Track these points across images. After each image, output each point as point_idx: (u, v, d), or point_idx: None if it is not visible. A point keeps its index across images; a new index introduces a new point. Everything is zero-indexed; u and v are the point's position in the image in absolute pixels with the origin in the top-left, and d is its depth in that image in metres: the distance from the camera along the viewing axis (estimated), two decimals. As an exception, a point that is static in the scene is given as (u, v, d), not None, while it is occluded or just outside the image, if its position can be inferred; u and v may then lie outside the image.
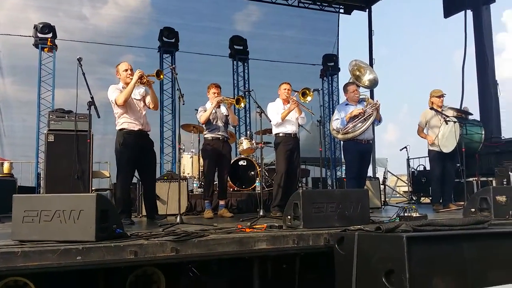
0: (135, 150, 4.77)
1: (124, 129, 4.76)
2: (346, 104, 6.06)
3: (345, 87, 6.16)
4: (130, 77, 4.72)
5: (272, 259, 3.59)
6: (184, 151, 7.27)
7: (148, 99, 4.92)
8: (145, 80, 4.70)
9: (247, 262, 3.47)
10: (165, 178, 6.27)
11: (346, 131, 5.85)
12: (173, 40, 10.68)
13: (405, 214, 4.13)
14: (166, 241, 3.03)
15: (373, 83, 6.35)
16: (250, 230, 3.52)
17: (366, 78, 6.25)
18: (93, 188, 6.27)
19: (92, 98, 4.34)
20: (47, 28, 9.06)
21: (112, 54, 10.99)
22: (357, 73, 6.22)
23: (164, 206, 5.62)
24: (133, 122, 4.77)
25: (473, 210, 4.43)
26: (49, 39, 9.00)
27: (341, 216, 3.73)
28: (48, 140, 6.07)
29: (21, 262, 2.64)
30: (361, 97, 6.06)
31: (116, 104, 4.66)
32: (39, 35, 9.09)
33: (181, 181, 6.00)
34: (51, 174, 6.03)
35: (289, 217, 3.77)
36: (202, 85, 9.33)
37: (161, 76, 4.85)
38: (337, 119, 5.93)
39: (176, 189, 5.54)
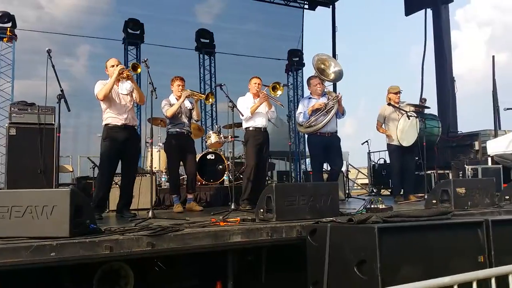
0: (119, 144, 4.77)
1: (108, 124, 4.79)
2: (310, 98, 6.17)
3: (308, 80, 6.27)
4: None
5: (242, 251, 3.64)
6: (150, 145, 7.18)
7: (134, 94, 4.93)
8: (125, 75, 4.70)
9: (216, 255, 3.51)
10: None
11: (308, 124, 5.97)
12: (138, 32, 10.52)
13: (372, 206, 4.30)
14: (142, 236, 3.03)
15: (338, 75, 6.32)
16: (224, 223, 3.56)
17: (331, 70, 6.24)
18: (56, 183, 6.12)
19: (62, 91, 4.24)
20: (6, 17, 8.70)
21: (69, 45, 10.72)
22: (322, 66, 6.21)
23: (132, 201, 5.55)
24: (116, 117, 4.78)
25: (434, 201, 4.64)
26: (8, 28, 8.64)
27: (312, 209, 3.83)
28: (10, 133, 5.84)
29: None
30: (324, 90, 6.14)
31: (97, 98, 4.69)
32: (-2, 24, 8.74)
33: (149, 175, 5.97)
34: (12, 168, 5.81)
35: (261, 210, 3.84)
36: (168, 78, 9.24)
37: (138, 70, 4.83)
38: (300, 112, 6.07)
39: (144, 184, 5.49)
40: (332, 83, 6.22)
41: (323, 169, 6.74)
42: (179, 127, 5.69)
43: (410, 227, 2.97)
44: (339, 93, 6.00)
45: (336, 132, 6.13)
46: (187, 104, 5.84)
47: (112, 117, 4.80)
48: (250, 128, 5.78)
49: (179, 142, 5.67)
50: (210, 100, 5.74)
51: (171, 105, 5.63)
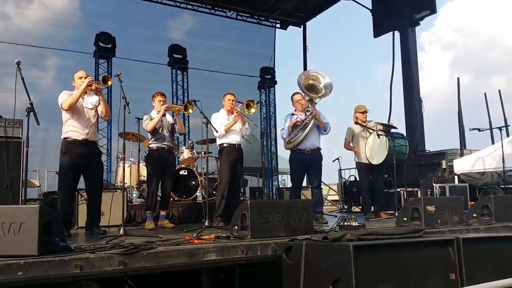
0: (79, 160, 4.62)
1: (68, 138, 4.63)
2: (292, 114, 6.18)
3: (291, 97, 6.25)
4: None
5: (215, 270, 3.58)
6: (121, 160, 7.07)
7: (100, 108, 4.80)
8: (94, 87, 4.60)
9: (189, 274, 3.44)
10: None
11: (288, 140, 6.00)
12: (109, 46, 10.40)
13: (345, 223, 4.33)
14: (113, 254, 2.93)
15: (330, 88, 6.04)
16: (199, 241, 3.50)
17: (322, 84, 6.02)
18: (21, 198, 5.91)
19: (31, 103, 4.12)
20: (-28, 26, 8.45)
21: (38, 57, 10.49)
22: (311, 82, 6.04)
23: (102, 218, 5.41)
24: (77, 130, 4.63)
25: (405, 219, 4.73)
26: (-27, 38, 8.38)
27: (287, 226, 3.83)
28: (-26, 146, 5.62)
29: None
30: (308, 106, 6.05)
31: (62, 108, 4.55)
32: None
33: (120, 191, 5.85)
34: (-25, 183, 5.58)
35: (236, 227, 3.80)
36: (140, 92, 9.20)
37: (109, 83, 4.75)
38: (282, 129, 6.11)
39: (115, 200, 5.38)
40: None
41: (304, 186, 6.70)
42: (159, 142, 5.65)
43: (384, 245, 2.99)
44: (313, 110, 5.95)
45: (317, 148, 6.03)
46: (169, 118, 5.82)
47: (72, 131, 4.64)
48: (224, 145, 5.77)
49: (159, 157, 5.62)
50: (190, 110, 5.71)
51: (152, 120, 5.58)
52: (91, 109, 4.80)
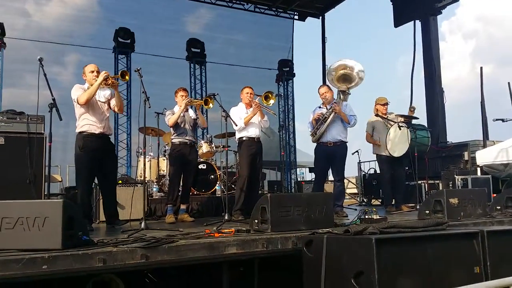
0: (96, 154, 4.66)
1: (84, 131, 4.64)
2: (319, 107, 6.18)
3: (318, 90, 6.21)
4: (96, 78, 4.62)
5: (235, 263, 3.59)
6: (141, 154, 7.13)
7: (113, 102, 4.84)
8: (110, 82, 4.62)
9: (209, 267, 3.46)
10: (120, 182, 6.15)
11: (312, 133, 6.05)
12: (128, 41, 10.49)
13: (366, 217, 4.29)
14: (136, 248, 2.96)
15: (362, 76, 5.81)
16: (219, 234, 3.51)
17: (356, 70, 5.78)
18: (44, 193, 6.02)
19: (53, 99, 4.17)
20: (-4, 25, 8.60)
21: (57, 54, 10.63)
22: (342, 72, 5.81)
23: (123, 212, 5.48)
24: (94, 124, 4.67)
25: (427, 212, 4.65)
26: (-4, 36, 8.55)
27: (307, 220, 3.81)
28: (-2, 142, 5.73)
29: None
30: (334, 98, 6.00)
31: (77, 103, 4.56)
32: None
33: (140, 185, 5.91)
34: (1, 179, 5.69)
35: (256, 221, 3.80)
36: (159, 87, 9.26)
37: (126, 77, 4.77)
38: (309, 122, 6.11)
39: (136, 194, 5.43)
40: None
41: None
42: (181, 137, 5.68)
43: (407, 238, 2.96)
44: (333, 104, 5.90)
45: (340, 141, 5.97)
46: (191, 113, 5.86)
47: (89, 125, 4.65)
48: (244, 138, 5.76)
49: (181, 152, 5.65)
50: (210, 104, 5.72)
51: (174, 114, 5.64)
52: (104, 102, 4.83)
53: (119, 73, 4.74)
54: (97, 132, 4.67)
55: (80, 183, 4.71)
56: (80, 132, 4.67)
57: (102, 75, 4.57)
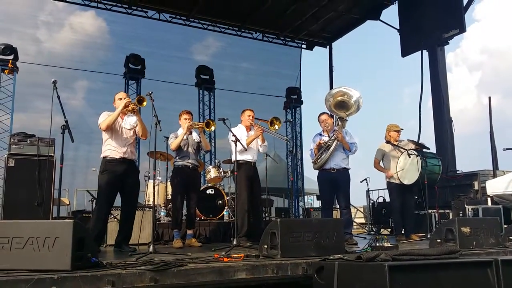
0: (116, 178, 4.74)
1: (106, 156, 4.79)
2: (320, 134, 6.19)
3: (318, 117, 6.25)
4: None
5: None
6: (149, 178, 7.15)
7: (137, 129, 4.94)
8: (131, 108, 4.75)
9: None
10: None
11: (314, 161, 6.03)
12: (139, 67, 10.66)
13: (377, 244, 4.22)
14: (145, 271, 2.93)
15: (359, 104, 5.84)
16: (228, 259, 3.47)
17: (354, 99, 5.83)
18: (53, 216, 6.02)
19: (66, 121, 4.23)
20: (9, 49, 8.78)
21: (67, 79, 10.83)
22: (340, 98, 5.87)
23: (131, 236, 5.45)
24: (115, 149, 4.78)
25: (439, 240, 4.57)
26: (10, 60, 8.71)
27: (317, 246, 3.75)
28: (8, 164, 5.78)
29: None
30: (334, 126, 6.05)
31: (100, 128, 4.73)
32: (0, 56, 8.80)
33: (148, 209, 5.89)
34: (9, 200, 5.71)
35: (265, 246, 3.75)
36: (168, 113, 9.31)
37: (144, 103, 4.82)
38: (310, 149, 6.12)
39: (144, 218, 5.41)
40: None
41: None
42: (184, 160, 5.67)
43: (420, 266, 2.91)
44: (337, 130, 5.89)
45: (343, 168, 5.97)
46: (195, 136, 5.84)
47: (111, 150, 4.80)
48: (241, 161, 5.66)
49: (183, 176, 5.62)
50: (212, 127, 5.77)
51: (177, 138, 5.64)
52: (130, 129, 4.94)
53: (136, 99, 4.82)
54: (117, 157, 4.79)
55: (98, 205, 4.83)
56: (103, 157, 4.82)
57: (123, 102, 4.74)
